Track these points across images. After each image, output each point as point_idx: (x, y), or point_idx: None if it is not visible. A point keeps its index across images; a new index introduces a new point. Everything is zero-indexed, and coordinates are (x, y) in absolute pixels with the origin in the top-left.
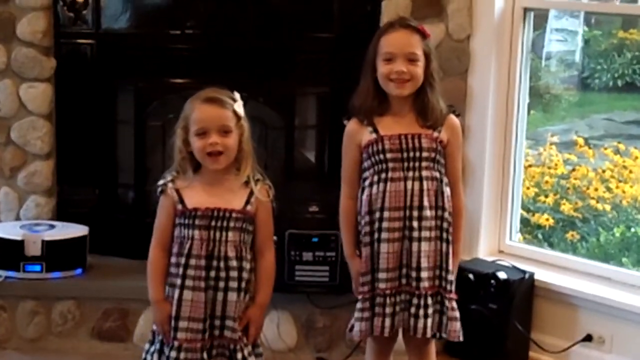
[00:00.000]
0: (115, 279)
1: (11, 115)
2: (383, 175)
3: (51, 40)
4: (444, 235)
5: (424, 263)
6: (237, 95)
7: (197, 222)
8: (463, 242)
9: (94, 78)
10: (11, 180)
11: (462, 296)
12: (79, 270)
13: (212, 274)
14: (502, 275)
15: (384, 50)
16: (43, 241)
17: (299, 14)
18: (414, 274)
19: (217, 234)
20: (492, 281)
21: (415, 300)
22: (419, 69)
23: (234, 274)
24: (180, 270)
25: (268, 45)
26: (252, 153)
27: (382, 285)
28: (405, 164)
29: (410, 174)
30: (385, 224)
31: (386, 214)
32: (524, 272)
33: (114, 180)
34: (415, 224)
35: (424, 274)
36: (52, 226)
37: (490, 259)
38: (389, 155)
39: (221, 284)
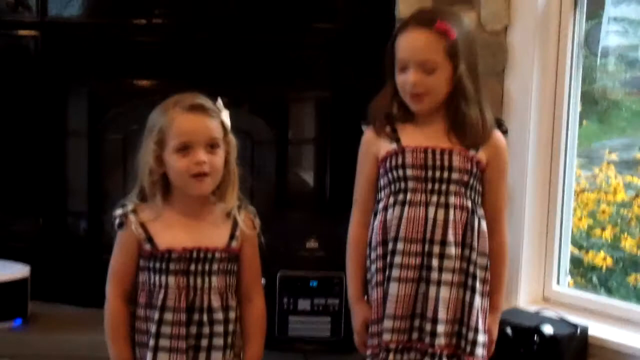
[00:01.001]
0: (64, 332)
1: None
2: (400, 197)
3: None
4: (470, 282)
5: (442, 314)
6: (220, 102)
7: (172, 266)
8: None
9: (38, 78)
10: None
11: (498, 356)
12: (18, 321)
13: (193, 330)
14: (547, 329)
15: (398, 55)
16: None
17: (294, 0)
18: (428, 327)
19: (198, 281)
20: (536, 337)
21: None
22: (438, 80)
23: (219, 328)
24: (153, 327)
25: (255, 38)
26: (237, 176)
27: (387, 337)
28: (430, 186)
29: (435, 198)
30: (397, 259)
31: (400, 246)
32: (574, 325)
33: (63, 208)
34: (435, 262)
35: (441, 328)
36: None
37: (532, 308)
38: (409, 172)
39: (204, 342)
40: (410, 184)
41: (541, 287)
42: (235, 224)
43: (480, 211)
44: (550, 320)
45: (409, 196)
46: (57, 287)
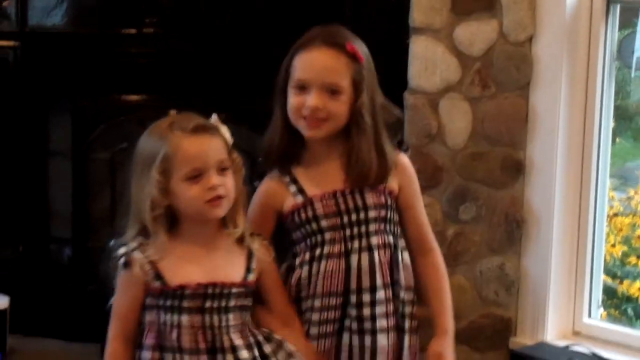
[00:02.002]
0: None
1: None
2: (318, 252)
3: None
4: (407, 323)
5: None
6: (216, 118)
7: (185, 303)
8: (523, 321)
9: (17, 93)
10: None
11: None
12: None
13: None
14: None
15: (296, 75)
16: None
17: (296, 7)
18: None
19: (215, 319)
20: None
21: None
22: (342, 105)
23: None
24: None
25: (255, 48)
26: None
27: None
28: (348, 232)
29: (356, 244)
30: (315, 316)
31: (317, 302)
32: None
33: (45, 234)
34: (366, 311)
35: None
36: None
37: (562, 343)
38: (324, 224)
39: None
40: (327, 235)
41: (571, 320)
42: (250, 254)
43: (401, 243)
44: (581, 356)
45: (326, 249)
46: (38, 320)
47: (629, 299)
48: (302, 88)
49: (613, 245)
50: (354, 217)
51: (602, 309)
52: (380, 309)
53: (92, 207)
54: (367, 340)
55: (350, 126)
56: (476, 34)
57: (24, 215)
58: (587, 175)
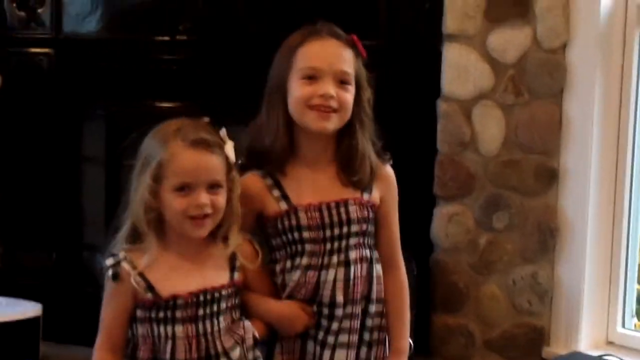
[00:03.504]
0: None
1: None
2: (297, 261)
3: None
4: (368, 336)
5: None
6: (224, 133)
7: (178, 314)
8: (557, 330)
9: (52, 100)
10: None
11: None
12: None
13: None
14: None
15: (304, 64)
16: None
17: (330, 14)
18: None
19: (207, 325)
20: None
21: None
22: (350, 97)
23: None
24: None
25: None
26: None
27: None
28: (328, 246)
29: (335, 259)
30: None
31: None
32: None
33: (78, 241)
34: (334, 326)
35: None
36: None
37: (595, 353)
38: (306, 235)
39: None
40: (308, 247)
41: (605, 329)
42: (233, 256)
43: (375, 255)
44: None
45: (305, 260)
46: (71, 327)
47: None
48: (311, 78)
49: None
50: (336, 231)
51: (635, 319)
52: (345, 324)
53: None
54: (326, 354)
55: (353, 120)
56: (510, 40)
57: (57, 223)
58: (621, 182)
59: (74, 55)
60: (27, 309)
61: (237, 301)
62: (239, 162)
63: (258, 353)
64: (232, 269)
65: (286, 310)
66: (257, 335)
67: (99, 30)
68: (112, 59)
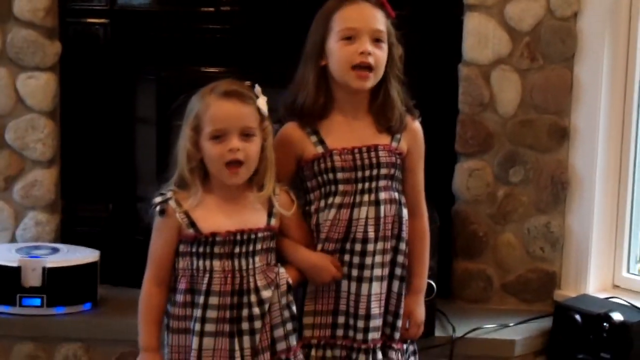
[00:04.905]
0: (132, 316)
1: (6, 113)
2: (331, 200)
3: (55, 19)
4: (399, 271)
5: (375, 310)
6: (258, 89)
7: (216, 249)
8: (567, 275)
9: (107, 66)
10: (6, 193)
11: (568, 343)
12: (87, 305)
13: (243, 313)
14: (617, 316)
15: (343, 26)
16: (44, 268)
17: None
18: (361, 324)
19: (243, 262)
20: (605, 324)
21: (357, 357)
22: (384, 55)
23: (266, 308)
24: (199, 311)
25: None
26: (274, 163)
27: (307, 333)
28: (360, 186)
29: (366, 197)
30: None
31: (318, 247)
32: None
33: (132, 194)
34: (368, 260)
35: (374, 323)
36: (56, 250)
37: (602, 295)
38: (340, 176)
39: (257, 324)
40: (341, 187)
41: (611, 274)
42: (271, 203)
43: (403, 199)
44: (620, 307)
45: (338, 199)
46: (125, 272)
47: None
48: (350, 38)
49: None
50: (367, 173)
51: (639, 265)
52: (379, 259)
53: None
54: (364, 288)
55: (386, 75)
56: (525, 10)
57: (113, 177)
58: (627, 141)
59: (128, 25)
60: (86, 255)
61: (272, 245)
62: (281, 116)
63: (291, 298)
64: (270, 214)
65: (317, 260)
66: (290, 281)
67: (149, 3)
68: (162, 29)
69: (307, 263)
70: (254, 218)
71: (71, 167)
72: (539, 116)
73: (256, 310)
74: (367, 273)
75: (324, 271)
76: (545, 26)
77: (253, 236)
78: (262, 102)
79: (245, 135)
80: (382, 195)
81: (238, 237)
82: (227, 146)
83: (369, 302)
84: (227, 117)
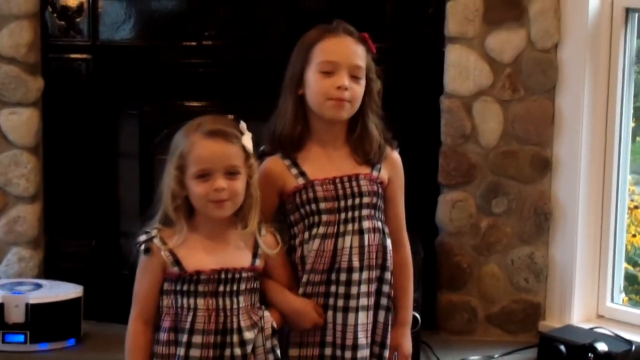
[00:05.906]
0: (117, 352)
1: None
2: (314, 231)
3: (38, 55)
4: (385, 301)
5: (362, 340)
6: (243, 125)
7: (200, 288)
8: (551, 305)
9: (90, 101)
10: None
11: None
12: (71, 341)
13: (226, 352)
14: (602, 346)
15: (323, 58)
16: (27, 304)
17: (342, 17)
18: (348, 355)
19: (227, 302)
20: (590, 354)
21: None
22: (361, 90)
23: (249, 349)
24: (181, 350)
25: None
26: (259, 200)
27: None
28: (343, 216)
29: (350, 227)
30: (301, 290)
31: (304, 278)
32: (629, 342)
33: (115, 229)
34: (354, 290)
35: (361, 354)
36: (39, 286)
37: (586, 326)
38: (322, 206)
39: None
40: (324, 217)
41: (595, 304)
42: (256, 243)
43: (387, 229)
44: (604, 338)
45: (321, 230)
46: (109, 307)
47: None
48: (328, 72)
49: (634, 236)
50: (350, 202)
51: (623, 294)
52: (364, 288)
53: (158, 205)
54: (351, 318)
55: (363, 108)
56: (506, 42)
57: (96, 212)
58: (609, 171)
59: (110, 60)
60: (69, 291)
61: (256, 285)
62: (262, 148)
63: (276, 342)
64: (255, 255)
65: (300, 305)
66: (274, 325)
67: (132, 38)
68: (144, 63)
69: (289, 308)
70: (238, 257)
71: (54, 202)
72: (521, 147)
73: (237, 351)
74: (353, 303)
75: (306, 317)
76: (526, 58)
77: (237, 275)
78: (247, 140)
79: (230, 173)
80: (366, 224)
81: (222, 276)
82: (213, 186)
83: (355, 332)
84: (212, 157)
